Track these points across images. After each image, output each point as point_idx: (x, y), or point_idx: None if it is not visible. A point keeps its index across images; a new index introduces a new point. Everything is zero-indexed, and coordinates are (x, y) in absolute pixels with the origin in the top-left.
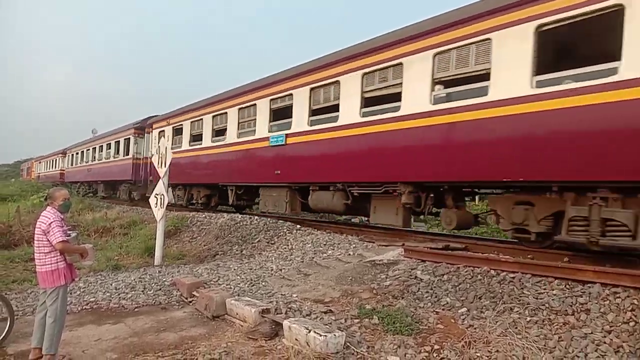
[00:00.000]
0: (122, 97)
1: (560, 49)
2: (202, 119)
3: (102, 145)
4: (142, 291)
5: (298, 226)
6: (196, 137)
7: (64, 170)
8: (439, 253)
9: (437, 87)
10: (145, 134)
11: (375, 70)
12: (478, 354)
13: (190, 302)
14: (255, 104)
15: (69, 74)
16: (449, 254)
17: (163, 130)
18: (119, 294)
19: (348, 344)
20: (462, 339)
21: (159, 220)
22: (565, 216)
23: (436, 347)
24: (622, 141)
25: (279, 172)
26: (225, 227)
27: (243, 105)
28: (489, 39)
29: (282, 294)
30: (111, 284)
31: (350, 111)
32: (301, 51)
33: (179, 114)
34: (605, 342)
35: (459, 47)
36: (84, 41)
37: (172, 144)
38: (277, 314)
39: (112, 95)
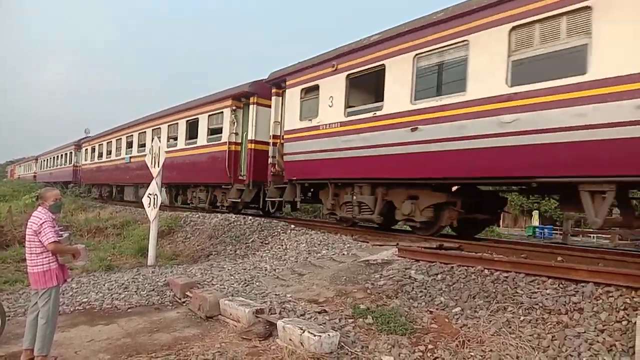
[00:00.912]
0: (122, 95)
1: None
2: (102, 143)
3: (58, 155)
4: (135, 292)
5: (292, 226)
6: (100, 155)
7: (36, 173)
8: (433, 253)
9: (171, 140)
10: (81, 150)
11: (142, 133)
12: (472, 354)
13: (184, 302)
14: (121, 138)
15: (69, 73)
16: (442, 254)
17: (87, 148)
18: (112, 295)
19: (342, 343)
20: (456, 339)
21: (152, 220)
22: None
23: (430, 346)
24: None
25: (128, 177)
26: (219, 227)
27: (117, 138)
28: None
29: (276, 294)
30: (104, 285)
31: (134, 150)
32: (301, 50)
33: (94, 139)
34: (598, 341)
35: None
36: (83, 40)
37: (91, 159)
38: (271, 314)
39: (111, 93)
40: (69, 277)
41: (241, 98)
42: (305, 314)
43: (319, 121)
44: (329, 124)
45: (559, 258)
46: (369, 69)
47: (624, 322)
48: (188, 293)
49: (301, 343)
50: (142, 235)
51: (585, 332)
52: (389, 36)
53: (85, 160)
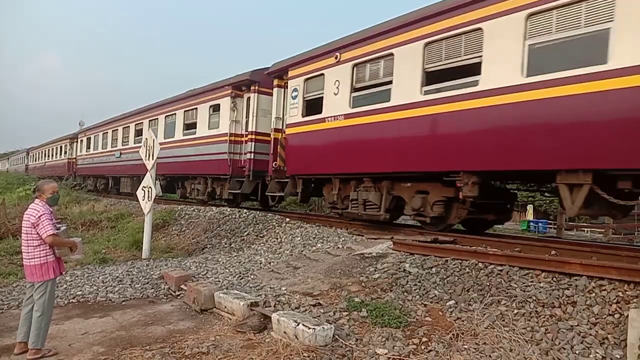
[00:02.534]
0: (115, 87)
1: None
2: (36, 153)
3: (19, 157)
4: (130, 285)
5: (287, 219)
6: (35, 159)
7: (7, 168)
8: (428, 246)
9: (56, 155)
10: (29, 155)
11: (49, 150)
12: (466, 346)
13: (178, 295)
14: (42, 151)
15: (62, 64)
16: (437, 247)
17: (31, 154)
18: (106, 288)
19: (336, 336)
20: (450, 332)
21: (147, 213)
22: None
23: (424, 339)
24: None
25: (45, 173)
26: (214, 220)
27: (41, 151)
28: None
29: (271, 287)
30: (98, 278)
31: (45, 159)
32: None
33: (38, 148)
34: (590, 334)
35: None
36: (75, 32)
37: (33, 161)
38: (266, 307)
39: (106, 85)
40: (64, 270)
41: (72, 138)
42: (299, 307)
43: (81, 153)
44: (83, 155)
45: (553, 252)
46: (95, 135)
47: (617, 315)
48: (183, 286)
49: (296, 336)
50: (137, 229)
51: (578, 325)
52: (97, 126)
53: (31, 161)
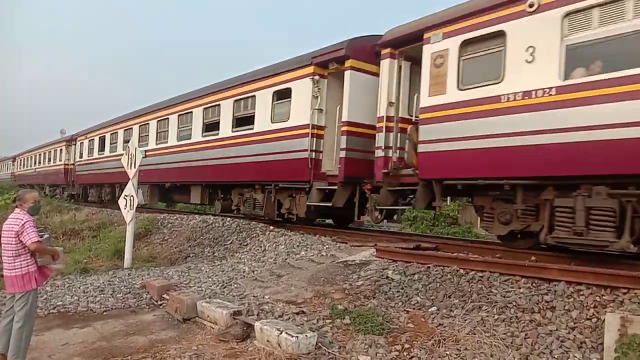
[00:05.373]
0: (108, 96)
1: None
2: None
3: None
4: (111, 294)
5: (271, 227)
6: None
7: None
8: (410, 253)
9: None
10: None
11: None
12: (447, 352)
13: (161, 305)
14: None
15: (48, 72)
16: (419, 254)
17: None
18: (87, 298)
19: (320, 344)
20: (432, 338)
21: (129, 222)
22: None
23: (406, 346)
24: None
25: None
26: (197, 229)
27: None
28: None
29: (254, 296)
30: (79, 288)
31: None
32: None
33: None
34: (569, 338)
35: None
36: (62, 37)
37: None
38: (249, 315)
39: (94, 93)
40: (46, 279)
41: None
42: (283, 315)
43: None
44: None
45: (533, 258)
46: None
47: (594, 320)
48: (165, 295)
49: (279, 344)
50: (119, 238)
51: (557, 329)
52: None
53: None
